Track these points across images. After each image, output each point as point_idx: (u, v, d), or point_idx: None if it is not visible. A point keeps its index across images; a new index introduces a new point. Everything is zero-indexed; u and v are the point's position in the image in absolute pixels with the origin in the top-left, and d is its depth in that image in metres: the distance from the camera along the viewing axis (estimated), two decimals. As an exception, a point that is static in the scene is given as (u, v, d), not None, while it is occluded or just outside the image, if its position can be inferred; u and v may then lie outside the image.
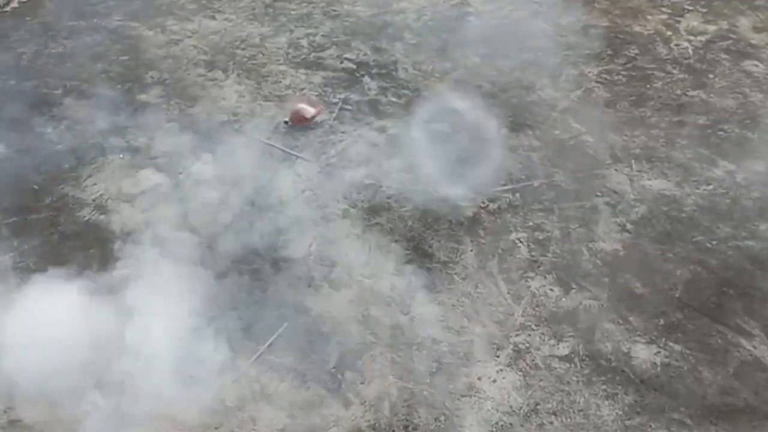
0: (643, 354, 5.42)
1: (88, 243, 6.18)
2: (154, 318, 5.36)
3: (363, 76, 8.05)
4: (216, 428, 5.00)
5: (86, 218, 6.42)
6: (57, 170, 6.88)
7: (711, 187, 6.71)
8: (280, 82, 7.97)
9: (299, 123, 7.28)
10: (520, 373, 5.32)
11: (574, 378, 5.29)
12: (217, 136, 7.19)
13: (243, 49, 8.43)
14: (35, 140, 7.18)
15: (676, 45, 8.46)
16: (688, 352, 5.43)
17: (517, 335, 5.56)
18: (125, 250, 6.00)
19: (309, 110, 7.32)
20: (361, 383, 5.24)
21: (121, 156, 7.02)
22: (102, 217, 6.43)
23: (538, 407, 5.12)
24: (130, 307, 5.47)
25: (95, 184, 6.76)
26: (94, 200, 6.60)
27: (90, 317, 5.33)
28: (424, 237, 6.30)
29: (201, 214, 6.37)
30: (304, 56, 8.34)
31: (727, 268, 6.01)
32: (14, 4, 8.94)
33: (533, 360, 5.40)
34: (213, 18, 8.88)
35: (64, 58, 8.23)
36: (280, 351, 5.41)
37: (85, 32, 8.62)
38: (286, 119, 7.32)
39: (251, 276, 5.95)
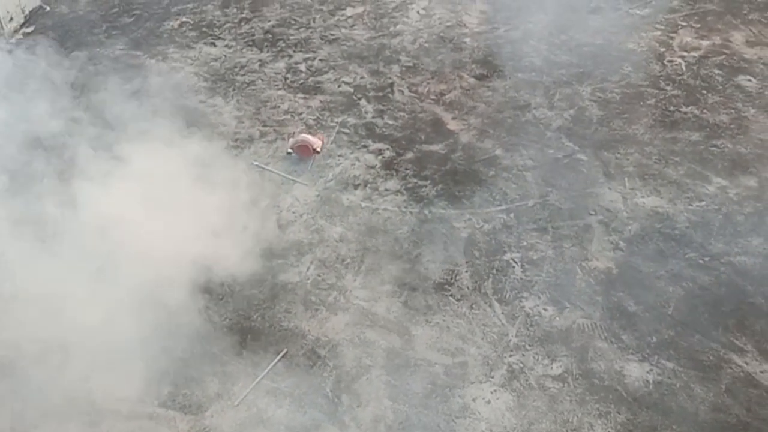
0: (636, 372, 5.49)
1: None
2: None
3: (360, 99, 8.19)
4: (215, 453, 5.10)
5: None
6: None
7: (703, 203, 6.78)
8: (279, 107, 8.11)
9: (305, 155, 7.36)
10: (514, 394, 5.39)
11: (568, 397, 5.36)
12: (217, 162, 7.31)
13: (242, 75, 8.59)
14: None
15: (670, 61, 8.55)
16: (680, 369, 5.50)
17: (511, 355, 5.64)
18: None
19: (314, 141, 7.38)
20: (357, 406, 5.32)
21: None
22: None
23: (532, 427, 5.19)
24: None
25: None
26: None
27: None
28: (419, 259, 6.40)
29: (199, 241, 6.47)
30: (302, 81, 8.48)
31: (720, 285, 6.07)
32: (19, 36, 9.13)
33: (527, 380, 5.48)
34: (213, 45, 9.04)
35: (67, 88, 8.38)
36: (277, 376, 5.51)
37: (88, 62, 8.79)
38: (289, 150, 7.41)
39: (249, 300, 6.06)
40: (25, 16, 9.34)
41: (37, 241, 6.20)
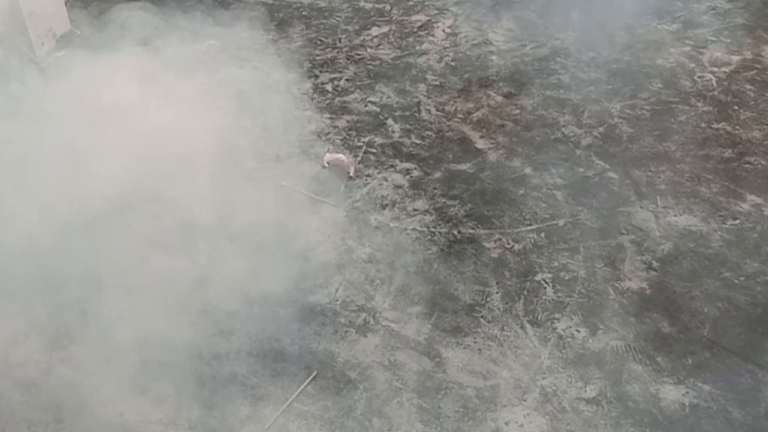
0: (672, 395, 5.39)
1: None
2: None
3: (387, 118, 8.19)
4: (246, 478, 5.07)
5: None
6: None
7: (737, 221, 6.68)
8: (306, 127, 8.13)
9: (340, 173, 7.38)
10: (547, 417, 5.32)
11: (602, 421, 5.27)
12: (244, 183, 7.33)
13: (269, 95, 8.61)
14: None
15: (700, 77, 8.47)
16: (717, 392, 5.39)
17: (544, 378, 5.57)
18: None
19: (348, 165, 7.41)
20: (389, 430, 5.28)
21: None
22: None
23: (566, 452, 5.12)
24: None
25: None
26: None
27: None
28: (449, 280, 6.35)
29: (227, 263, 6.48)
30: (329, 101, 8.50)
31: (756, 305, 5.96)
32: (50, 60, 9.25)
33: (560, 403, 5.40)
34: (241, 67, 9.09)
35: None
36: (307, 398, 5.48)
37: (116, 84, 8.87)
38: (325, 164, 7.45)
39: (278, 322, 6.04)
40: (56, 41, 9.47)
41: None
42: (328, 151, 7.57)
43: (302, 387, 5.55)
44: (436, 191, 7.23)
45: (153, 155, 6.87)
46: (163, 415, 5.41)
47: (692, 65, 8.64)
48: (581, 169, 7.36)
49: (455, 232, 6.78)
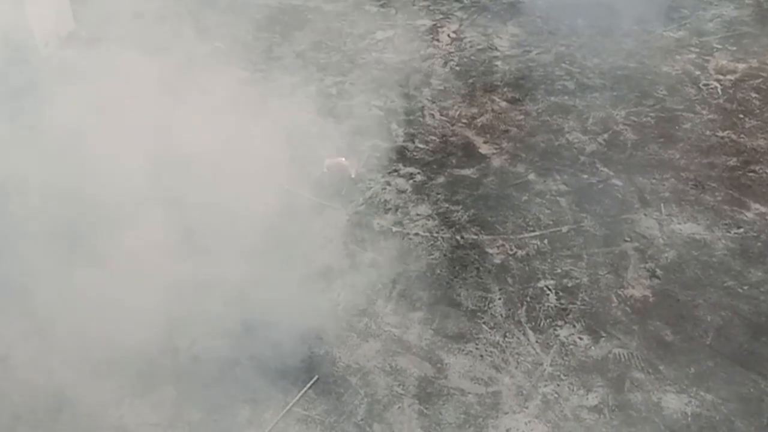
0: (674, 404, 5.36)
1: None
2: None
3: (390, 122, 8.17)
4: (245, 482, 5.04)
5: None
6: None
7: (742, 230, 6.65)
8: (310, 130, 8.11)
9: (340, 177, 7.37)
10: (549, 425, 5.28)
11: (604, 429, 5.24)
12: (247, 187, 7.30)
13: (274, 98, 8.59)
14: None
15: (705, 85, 8.45)
16: (719, 401, 5.35)
17: (545, 385, 5.54)
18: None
19: (349, 166, 7.39)
20: (389, 436, 5.25)
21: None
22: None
23: (567, 460, 5.08)
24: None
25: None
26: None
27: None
28: (452, 285, 6.32)
29: (227, 266, 6.44)
30: (333, 104, 8.49)
31: (760, 314, 5.93)
32: (53, 61, 9.24)
33: (562, 411, 5.37)
34: (245, 69, 9.08)
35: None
36: (308, 403, 5.45)
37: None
38: (325, 169, 7.41)
39: (279, 326, 6.01)
40: (60, 41, 9.47)
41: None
42: (328, 155, 7.54)
43: (303, 391, 5.53)
44: (439, 196, 7.22)
45: (152, 158, 6.83)
46: (163, 419, 5.39)
47: (697, 73, 8.62)
48: (585, 176, 7.33)
49: (458, 237, 6.76)
